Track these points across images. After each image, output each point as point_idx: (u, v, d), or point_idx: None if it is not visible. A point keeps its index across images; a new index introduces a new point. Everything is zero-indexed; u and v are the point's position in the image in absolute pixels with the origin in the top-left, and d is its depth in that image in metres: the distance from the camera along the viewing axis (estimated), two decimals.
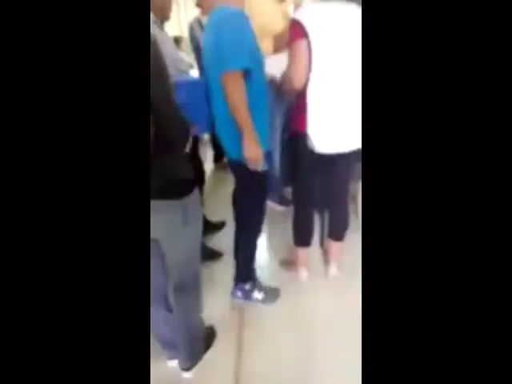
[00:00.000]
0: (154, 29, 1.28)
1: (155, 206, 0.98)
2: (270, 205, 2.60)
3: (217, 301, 1.73)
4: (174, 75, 1.04)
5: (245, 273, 1.69)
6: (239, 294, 1.71)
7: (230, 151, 1.40)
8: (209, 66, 1.30)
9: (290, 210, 2.35)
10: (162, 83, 0.89)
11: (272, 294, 1.74)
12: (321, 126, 1.36)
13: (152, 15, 1.33)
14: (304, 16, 1.23)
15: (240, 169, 1.36)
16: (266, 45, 1.57)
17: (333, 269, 1.85)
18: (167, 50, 1.17)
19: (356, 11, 1.24)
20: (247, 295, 1.71)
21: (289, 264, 1.92)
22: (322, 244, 2.04)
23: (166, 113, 0.91)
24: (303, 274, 1.82)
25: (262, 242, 2.28)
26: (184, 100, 1.02)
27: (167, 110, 0.91)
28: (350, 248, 1.87)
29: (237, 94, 1.20)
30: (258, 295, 1.71)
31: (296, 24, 1.23)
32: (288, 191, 2.57)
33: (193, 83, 1.17)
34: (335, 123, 1.36)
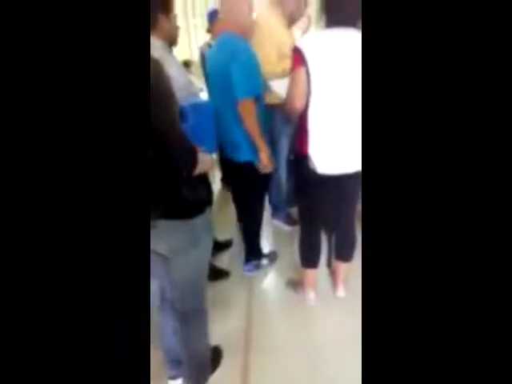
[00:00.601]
0: (161, 53, 1.32)
1: (166, 225, 1.00)
2: (277, 224, 2.60)
3: (223, 321, 1.71)
4: (183, 99, 1.06)
5: (254, 251, 2.06)
6: (250, 267, 2.07)
7: (241, 155, 1.70)
8: (217, 90, 1.53)
9: (297, 230, 2.36)
10: (168, 107, 0.91)
11: (274, 256, 2.16)
12: (322, 147, 1.39)
13: (160, 40, 1.37)
14: (304, 44, 1.29)
15: (249, 170, 1.70)
16: (285, 66, 1.63)
17: (340, 290, 1.82)
18: (175, 73, 1.19)
19: (357, 37, 1.28)
20: (257, 266, 2.08)
21: (296, 285, 1.90)
22: (329, 265, 2.02)
23: (173, 137, 0.92)
24: (311, 295, 1.79)
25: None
26: (192, 122, 1.04)
27: (174, 133, 0.93)
28: (358, 269, 1.84)
29: (252, 117, 1.55)
30: (265, 262, 2.10)
31: (297, 52, 1.29)
32: (295, 211, 2.57)
33: (200, 105, 1.19)
34: (337, 145, 1.39)
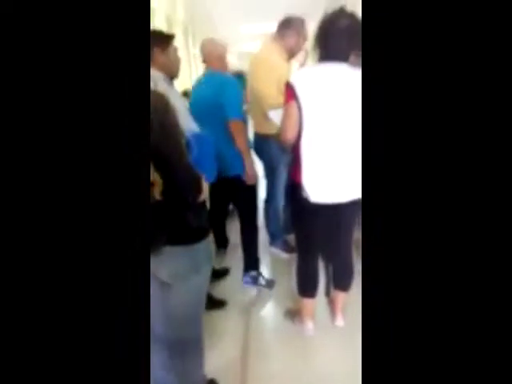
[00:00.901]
0: (163, 85, 1.36)
1: (168, 251, 1.02)
2: (275, 252, 2.58)
3: (219, 351, 1.67)
4: (186, 130, 1.09)
5: (252, 262, 2.18)
6: (249, 279, 2.19)
7: (232, 170, 1.93)
8: (205, 117, 1.75)
9: (295, 257, 2.35)
10: (176, 139, 0.95)
11: (271, 283, 2.21)
12: (315, 177, 1.42)
13: (162, 73, 1.42)
14: (296, 80, 1.35)
15: (239, 183, 1.96)
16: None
17: (339, 319, 1.79)
18: (178, 105, 1.23)
19: (347, 71, 1.34)
20: (255, 280, 2.19)
21: (294, 315, 1.87)
22: (327, 294, 2.00)
23: (181, 166, 0.96)
24: (309, 325, 1.76)
25: (265, 292, 2.24)
26: (196, 152, 1.08)
27: (182, 163, 0.96)
28: (357, 298, 1.82)
29: (243, 134, 1.89)
30: (262, 281, 2.19)
31: (289, 87, 1.35)
32: (292, 238, 2.57)
33: (202, 136, 1.24)
34: (330, 175, 1.42)
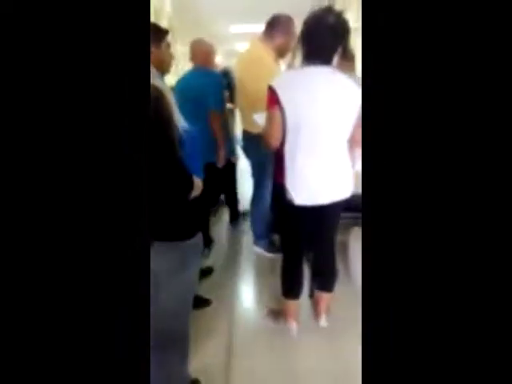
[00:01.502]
0: (159, 81, 1.35)
1: (157, 246, 1.01)
2: (259, 252, 2.60)
3: (203, 352, 1.67)
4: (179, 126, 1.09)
5: (235, 213, 2.88)
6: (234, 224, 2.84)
7: (209, 158, 2.23)
8: (189, 107, 1.85)
9: (280, 257, 2.37)
10: (170, 133, 0.94)
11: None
12: (298, 180, 1.44)
13: (154, 69, 1.40)
14: (278, 84, 1.34)
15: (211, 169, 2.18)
16: None
17: (323, 320, 1.82)
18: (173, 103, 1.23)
19: (331, 74, 1.34)
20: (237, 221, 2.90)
21: (277, 315, 1.88)
22: (311, 295, 2.02)
23: (173, 162, 0.95)
24: (293, 326, 1.78)
25: (249, 292, 2.25)
26: (186, 148, 1.07)
27: (174, 159, 0.96)
28: (341, 299, 1.87)
29: (219, 124, 2.22)
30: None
31: (272, 91, 1.34)
32: (277, 239, 2.60)
33: (191, 132, 1.23)
34: (313, 178, 1.43)
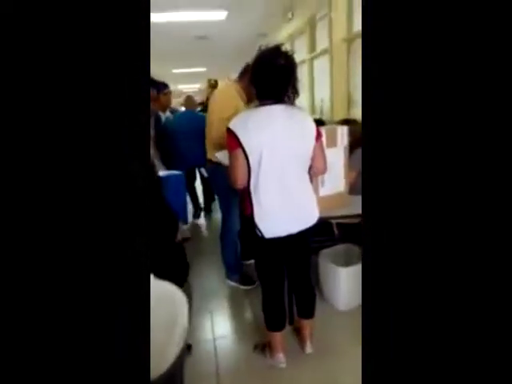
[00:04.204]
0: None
1: None
2: (234, 285, 2.59)
3: None
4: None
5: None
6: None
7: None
8: (189, 133, 2.85)
9: (255, 289, 2.36)
10: (152, 176, 0.94)
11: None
12: (265, 215, 1.48)
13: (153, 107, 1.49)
14: (234, 125, 1.40)
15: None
16: None
17: (308, 347, 1.84)
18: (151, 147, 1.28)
19: (285, 110, 1.43)
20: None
21: (263, 348, 1.88)
22: (291, 322, 2.04)
23: (157, 204, 0.95)
24: (281, 358, 1.78)
25: (231, 327, 2.22)
26: (167, 192, 1.08)
27: (159, 201, 0.96)
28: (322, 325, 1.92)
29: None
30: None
31: (230, 132, 1.40)
32: (250, 269, 2.64)
33: (173, 176, 1.25)
34: (279, 211, 1.48)
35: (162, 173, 1.18)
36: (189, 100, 3.67)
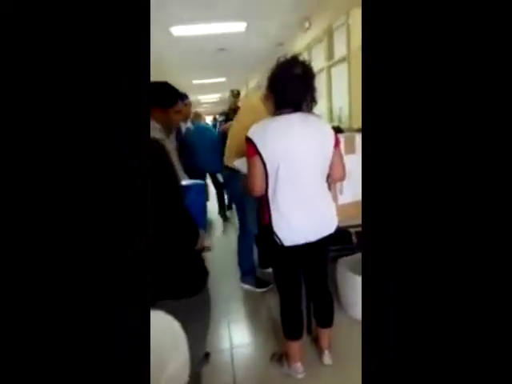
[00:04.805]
0: (161, 135, 1.44)
1: (163, 304, 0.98)
2: (248, 288, 2.62)
3: None
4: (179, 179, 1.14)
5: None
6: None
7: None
8: (206, 144, 3.35)
9: (269, 291, 2.36)
10: (173, 186, 0.96)
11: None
12: (284, 223, 1.47)
13: (159, 125, 1.51)
14: (253, 133, 1.41)
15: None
16: None
17: (327, 358, 1.81)
18: (173, 156, 1.32)
19: (303, 118, 1.44)
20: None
21: (281, 358, 1.86)
22: (309, 332, 2.01)
23: (178, 213, 0.96)
24: (299, 368, 1.76)
25: (248, 335, 2.21)
26: (189, 201, 1.10)
27: (179, 210, 0.97)
28: (341, 334, 1.88)
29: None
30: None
31: (248, 141, 1.41)
32: (264, 272, 2.71)
33: (195, 186, 1.28)
34: (297, 219, 1.47)
35: (184, 182, 1.21)
36: (196, 115, 4.32)
